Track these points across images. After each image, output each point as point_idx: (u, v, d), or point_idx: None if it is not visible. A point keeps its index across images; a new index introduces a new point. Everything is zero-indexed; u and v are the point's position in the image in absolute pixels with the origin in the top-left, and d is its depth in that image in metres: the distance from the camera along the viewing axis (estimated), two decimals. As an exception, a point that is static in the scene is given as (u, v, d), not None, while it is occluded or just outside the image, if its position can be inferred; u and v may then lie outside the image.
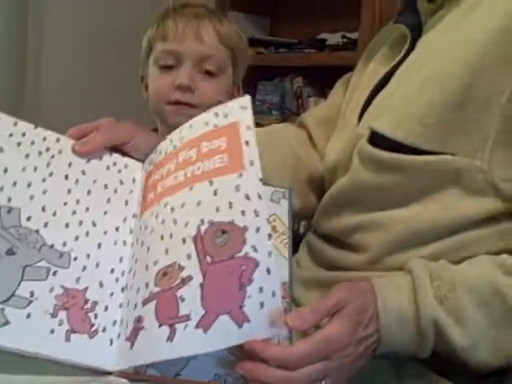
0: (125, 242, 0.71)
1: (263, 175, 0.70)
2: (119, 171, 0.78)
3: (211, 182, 0.67)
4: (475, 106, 0.71)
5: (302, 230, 1.50)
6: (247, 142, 0.69)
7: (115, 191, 0.75)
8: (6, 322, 0.59)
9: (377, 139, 0.78)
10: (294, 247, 0.93)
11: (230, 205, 0.65)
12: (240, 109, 0.73)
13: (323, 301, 0.68)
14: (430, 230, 0.76)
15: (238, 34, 1.12)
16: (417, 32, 0.84)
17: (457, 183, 0.74)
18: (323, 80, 2.08)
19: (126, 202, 0.75)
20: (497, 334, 0.68)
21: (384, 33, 0.97)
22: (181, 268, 0.63)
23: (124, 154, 0.81)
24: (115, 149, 0.80)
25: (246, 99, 0.73)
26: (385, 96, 0.82)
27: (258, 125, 2.21)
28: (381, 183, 0.79)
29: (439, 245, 0.76)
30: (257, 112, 2.25)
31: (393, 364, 0.75)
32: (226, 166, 0.68)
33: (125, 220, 0.73)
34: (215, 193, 0.66)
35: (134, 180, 0.78)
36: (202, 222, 0.65)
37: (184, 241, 0.64)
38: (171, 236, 0.66)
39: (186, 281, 0.61)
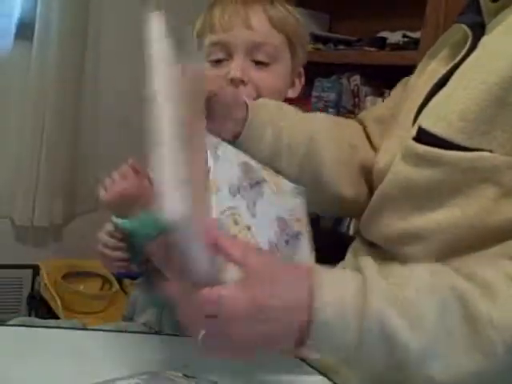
0: None
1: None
2: None
3: None
4: None
5: (352, 233, 1.48)
6: None
7: None
8: None
9: (421, 135, 0.78)
10: (341, 249, 0.93)
11: None
12: None
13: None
14: (471, 237, 0.74)
15: (293, 16, 1.05)
16: (479, 32, 0.81)
17: (495, 183, 0.72)
18: (381, 79, 2.05)
19: None
20: (451, 346, 0.63)
21: (448, 33, 0.94)
22: None
23: None
24: None
25: None
26: (441, 98, 0.81)
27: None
28: (415, 179, 0.78)
29: (488, 252, 0.74)
30: (313, 109, 2.23)
31: None
32: None
33: None
34: None
35: None
36: None
37: None
38: None
39: None
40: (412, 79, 0.98)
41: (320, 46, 2.29)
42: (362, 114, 1.08)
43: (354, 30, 2.30)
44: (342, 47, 2.23)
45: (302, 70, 1.11)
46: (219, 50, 1.02)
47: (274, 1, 1.04)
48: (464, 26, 0.84)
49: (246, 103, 0.88)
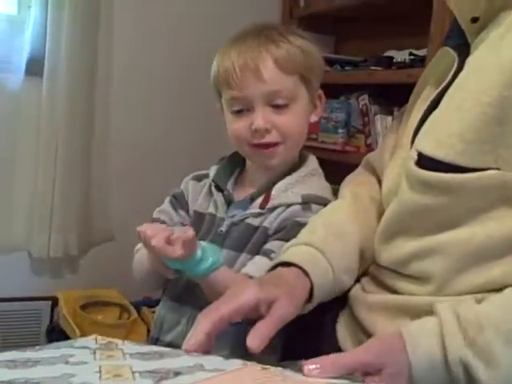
0: None
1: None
2: None
3: None
4: None
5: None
6: None
7: None
8: None
9: (423, 161, 0.78)
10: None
11: None
12: None
13: (348, 355, 0.71)
14: (489, 248, 0.75)
15: (301, 50, 1.06)
16: (464, 53, 0.83)
17: (508, 198, 0.73)
18: (390, 97, 2.06)
19: None
20: None
21: (437, 58, 0.96)
22: None
23: None
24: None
25: None
26: (433, 118, 0.82)
27: (323, 142, 2.20)
28: (427, 204, 0.78)
29: (509, 263, 0.74)
30: (322, 130, 2.24)
31: None
32: None
33: None
34: None
35: None
36: None
37: None
38: None
39: None
40: (408, 105, 0.99)
41: (327, 67, 2.31)
42: (372, 159, 1.08)
43: (360, 51, 2.32)
44: (348, 68, 2.25)
45: (320, 91, 1.13)
46: (239, 103, 1.06)
47: (277, 40, 1.05)
48: (449, 49, 0.87)
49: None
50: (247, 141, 1.07)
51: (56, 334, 2.19)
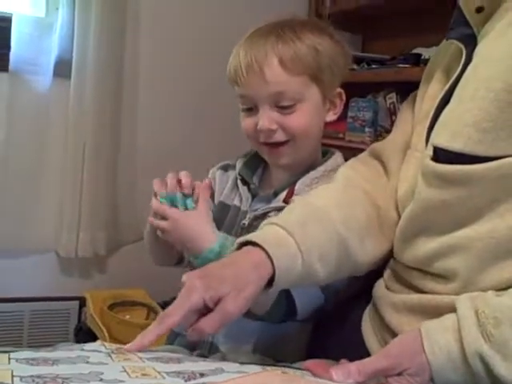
0: None
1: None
2: None
3: None
4: None
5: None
6: None
7: None
8: None
9: (439, 155, 0.77)
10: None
11: None
12: None
13: (371, 362, 0.71)
14: (510, 240, 0.73)
15: (314, 49, 1.03)
16: (471, 44, 0.82)
17: None
18: (418, 95, 2.03)
19: None
20: None
21: (438, 53, 0.95)
22: None
23: None
24: None
25: None
26: (447, 112, 0.80)
27: (350, 141, 2.17)
28: (445, 200, 0.77)
29: None
30: (349, 129, 2.22)
31: None
32: None
33: None
34: None
35: None
36: None
37: None
38: None
39: None
40: (416, 107, 0.98)
41: (354, 66, 2.29)
42: (378, 148, 1.06)
43: (387, 49, 2.30)
44: (375, 66, 2.23)
45: (339, 89, 1.11)
46: (246, 102, 1.07)
47: (287, 39, 1.03)
48: (455, 42, 0.85)
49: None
50: (256, 139, 1.07)
51: (83, 334, 2.20)
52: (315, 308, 1.02)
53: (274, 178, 1.15)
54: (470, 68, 0.79)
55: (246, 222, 1.10)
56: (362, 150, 2.12)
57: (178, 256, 1.18)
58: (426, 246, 0.82)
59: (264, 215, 1.08)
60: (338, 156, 1.15)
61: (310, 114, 1.06)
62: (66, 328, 2.34)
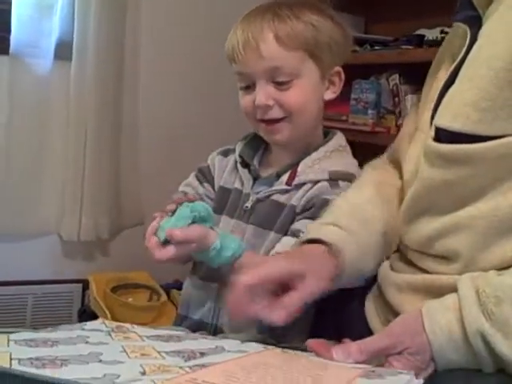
0: None
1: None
2: None
3: None
4: None
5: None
6: None
7: None
8: None
9: (440, 135, 0.77)
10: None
11: None
12: None
13: (373, 341, 0.72)
14: None
15: (312, 26, 1.04)
16: (476, 25, 0.81)
17: None
18: (421, 77, 2.01)
19: None
20: None
21: (450, 34, 0.96)
22: None
23: None
24: None
25: None
26: (449, 93, 0.80)
27: (353, 124, 2.16)
28: (447, 179, 0.77)
29: None
30: (352, 111, 2.21)
31: None
32: None
33: None
34: None
35: None
36: None
37: None
38: None
39: None
40: (424, 91, 0.98)
41: (356, 48, 2.28)
42: (397, 151, 1.04)
43: (390, 31, 2.28)
44: (378, 47, 2.21)
45: (338, 68, 1.10)
46: (244, 79, 1.08)
47: (283, 15, 1.03)
48: (461, 24, 0.85)
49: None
50: (253, 116, 1.08)
51: (87, 316, 2.21)
52: None
53: (274, 159, 1.15)
54: (474, 49, 0.79)
55: (248, 204, 1.10)
56: (364, 132, 2.13)
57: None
58: (428, 226, 0.83)
59: (267, 198, 1.08)
60: (339, 137, 1.14)
61: (306, 90, 1.06)
62: (69, 311, 2.35)
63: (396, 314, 0.85)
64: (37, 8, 2.09)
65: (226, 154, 1.20)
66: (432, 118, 0.84)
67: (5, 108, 2.09)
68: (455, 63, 0.84)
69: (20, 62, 2.09)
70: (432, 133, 0.79)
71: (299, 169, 1.07)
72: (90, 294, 2.24)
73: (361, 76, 2.22)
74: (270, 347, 0.73)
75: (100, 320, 0.78)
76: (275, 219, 1.07)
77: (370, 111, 2.14)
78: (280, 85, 1.04)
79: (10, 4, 2.03)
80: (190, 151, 2.18)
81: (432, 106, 0.87)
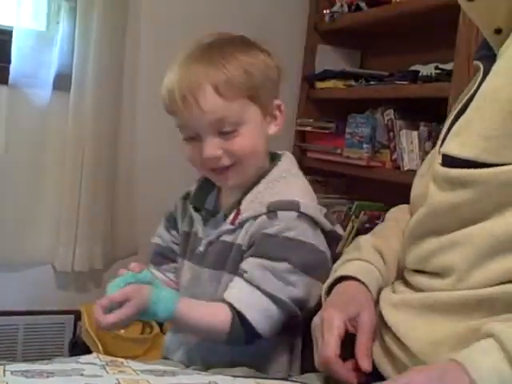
0: None
1: None
2: None
3: None
4: None
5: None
6: None
7: None
8: None
9: (447, 162, 0.80)
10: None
11: None
12: None
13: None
14: (509, 237, 0.75)
15: (244, 71, 1.02)
16: (489, 62, 0.85)
17: None
18: (416, 112, 2.04)
19: None
20: None
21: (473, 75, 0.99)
22: None
23: None
24: None
25: None
26: (458, 124, 0.84)
27: (348, 157, 2.18)
28: (454, 202, 0.80)
29: None
30: (347, 145, 2.23)
31: None
32: None
33: None
34: None
35: None
36: None
37: None
38: None
39: None
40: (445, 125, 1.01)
41: (352, 82, 2.30)
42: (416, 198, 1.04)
43: (386, 66, 2.31)
44: (374, 82, 2.24)
45: (277, 101, 1.09)
46: (187, 132, 1.06)
47: (218, 62, 1.01)
48: (478, 62, 0.90)
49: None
50: (202, 166, 1.07)
51: (78, 348, 2.19)
52: (274, 321, 1.01)
53: (224, 199, 1.15)
54: (484, 84, 0.83)
55: (201, 248, 1.10)
56: (359, 166, 2.14)
57: None
58: (429, 245, 0.85)
59: (217, 239, 1.08)
60: (285, 161, 1.12)
61: (253, 135, 1.05)
62: (61, 342, 2.32)
63: (392, 333, 0.86)
64: (37, 39, 2.11)
65: (186, 197, 1.21)
66: (441, 145, 0.88)
67: (2, 137, 2.09)
68: (467, 96, 0.88)
69: (19, 92, 2.10)
70: (439, 160, 0.82)
71: (242, 206, 1.06)
72: (82, 325, 2.21)
73: (356, 110, 2.24)
74: (260, 381, 0.73)
75: (94, 354, 0.78)
76: (225, 260, 1.06)
77: (365, 145, 2.15)
78: (226, 134, 1.02)
79: (10, 35, 2.05)
80: (185, 186, 2.18)
81: (442, 135, 0.90)
